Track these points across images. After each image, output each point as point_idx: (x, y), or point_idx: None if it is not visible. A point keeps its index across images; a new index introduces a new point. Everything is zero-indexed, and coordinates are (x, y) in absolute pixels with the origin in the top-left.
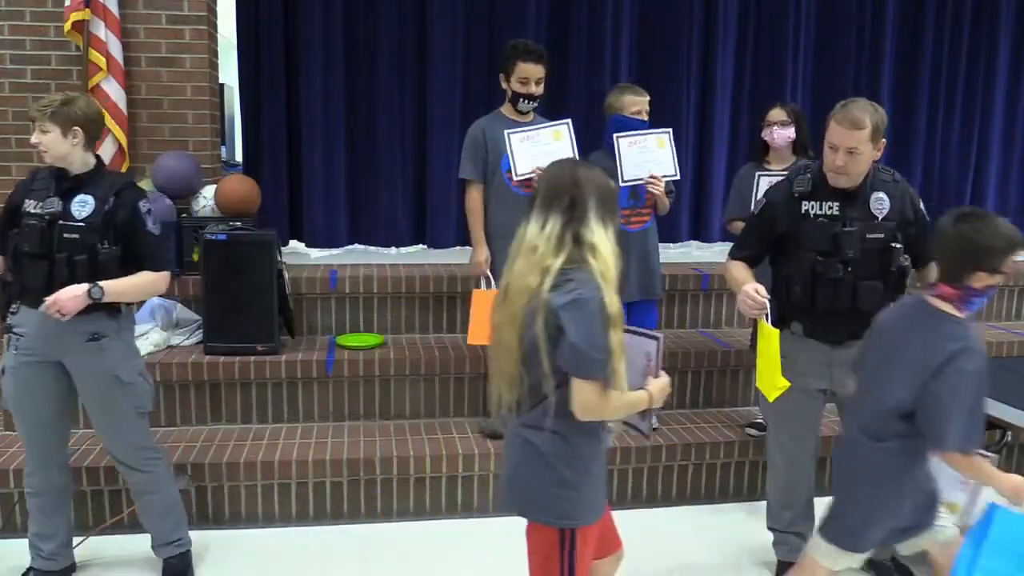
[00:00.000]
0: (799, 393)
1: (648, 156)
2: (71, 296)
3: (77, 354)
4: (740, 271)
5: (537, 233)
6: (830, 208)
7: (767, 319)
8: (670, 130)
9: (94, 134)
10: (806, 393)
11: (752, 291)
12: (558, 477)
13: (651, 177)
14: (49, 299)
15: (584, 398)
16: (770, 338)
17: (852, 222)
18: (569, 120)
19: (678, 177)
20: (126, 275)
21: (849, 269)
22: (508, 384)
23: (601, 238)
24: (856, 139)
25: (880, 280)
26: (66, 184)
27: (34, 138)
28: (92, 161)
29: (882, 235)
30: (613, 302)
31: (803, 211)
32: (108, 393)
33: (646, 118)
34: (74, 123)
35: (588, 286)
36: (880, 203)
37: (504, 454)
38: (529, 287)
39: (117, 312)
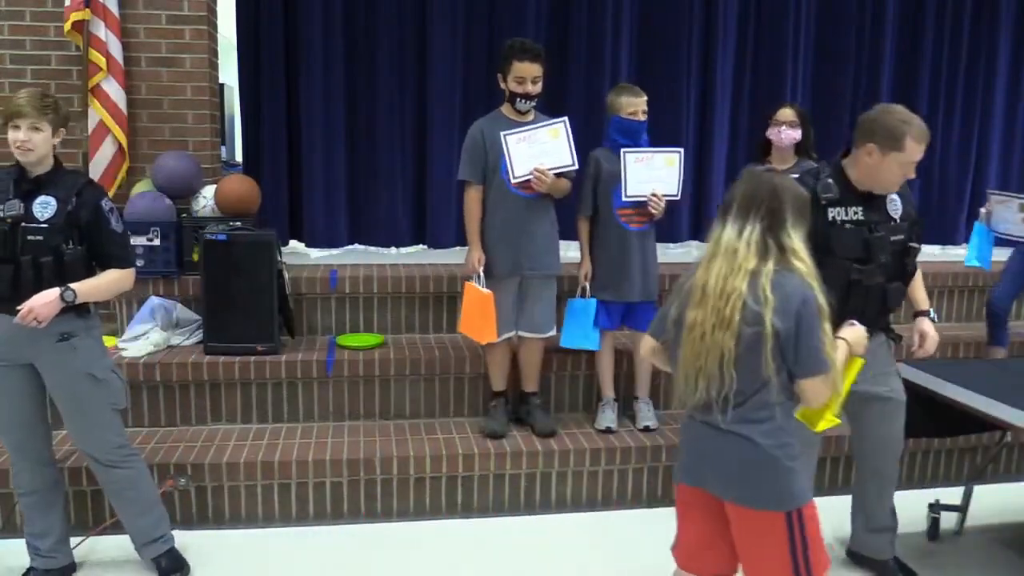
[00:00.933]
0: None
1: (653, 174)
2: (45, 302)
3: (49, 355)
4: None
5: (735, 237)
6: (855, 213)
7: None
8: (680, 151)
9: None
10: None
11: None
12: (779, 464)
13: (653, 195)
14: (24, 308)
15: (817, 391)
16: (854, 368)
17: (876, 226)
18: (565, 118)
19: (678, 198)
20: (90, 274)
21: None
22: (708, 381)
23: (799, 243)
24: None
25: (901, 280)
26: (26, 186)
27: (22, 135)
28: (52, 161)
29: (902, 236)
30: (822, 299)
31: (830, 218)
32: (82, 392)
33: (643, 118)
34: (61, 124)
35: (805, 287)
36: (894, 204)
37: (711, 450)
38: (736, 288)
39: (86, 312)
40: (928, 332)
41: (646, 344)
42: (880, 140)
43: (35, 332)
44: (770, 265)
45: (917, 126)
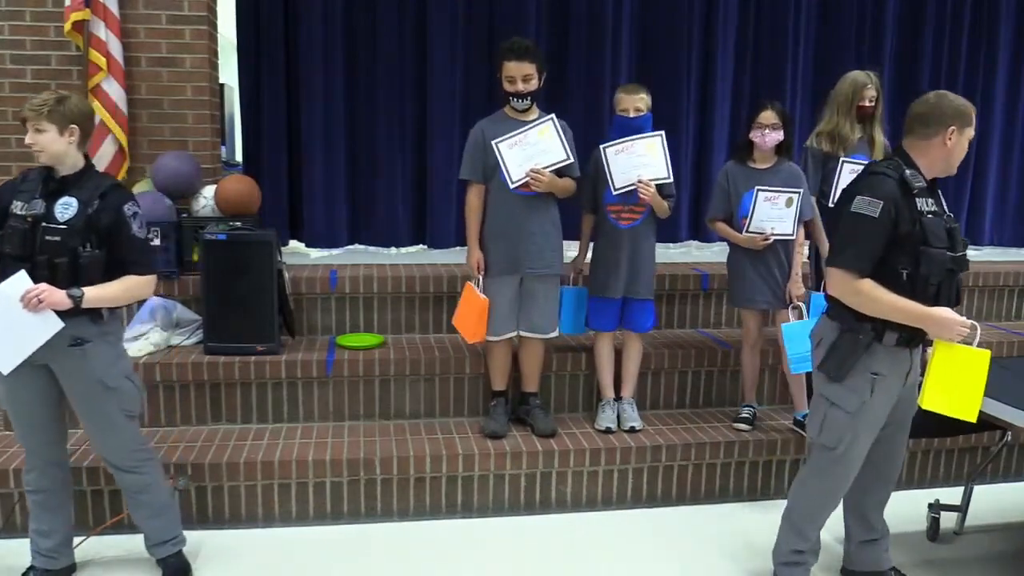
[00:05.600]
0: (889, 403)
1: (637, 161)
2: (54, 291)
3: (61, 359)
4: (892, 295)
5: None
6: (931, 204)
7: (974, 342)
8: (662, 133)
9: (88, 131)
10: (891, 403)
11: (959, 318)
12: None
13: (639, 182)
14: (32, 287)
15: None
16: (984, 361)
17: (944, 217)
18: (553, 115)
19: (670, 179)
20: (112, 279)
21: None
22: None
23: None
24: None
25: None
26: (52, 186)
27: (28, 138)
28: (82, 162)
29: (957, 226)
30: None
31: (919, 208)
32: (94, 397)
33: (633, 115)
34: (71, 121)
35: None
36: (942, 199)
37: None
38: None
39: (99, 317)
40: None
41: None
42: (958, 121)
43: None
44: None
45: (965, 101)
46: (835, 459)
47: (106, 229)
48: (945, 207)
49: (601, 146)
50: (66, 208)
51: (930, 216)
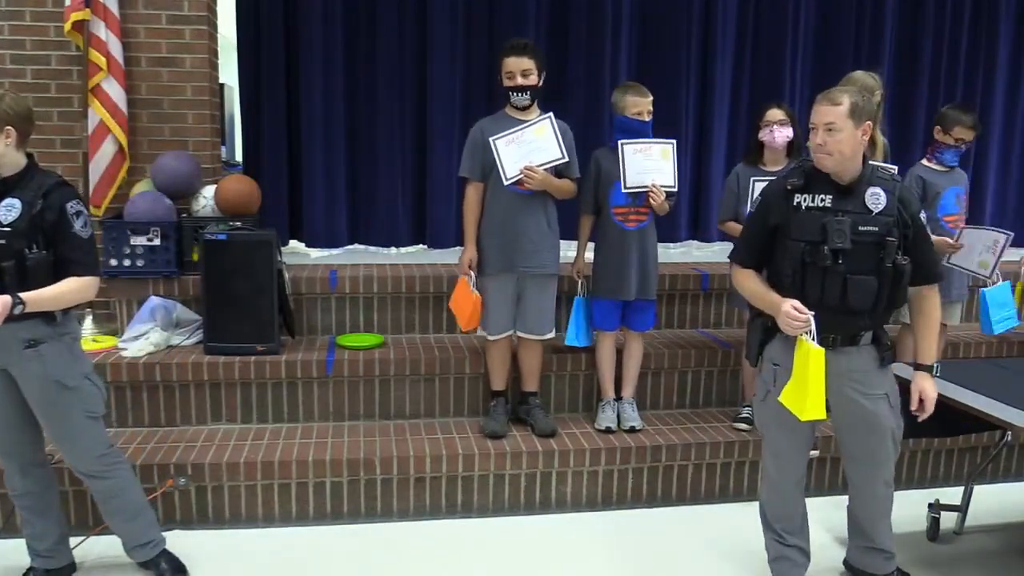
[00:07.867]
0: None
1: (651, 165)
2: (2, 298)
3: (18, 362)
4: (756, 283)
5: None
6: (823, 200)
7: (811, 337)
8: (674, 142)
9: (26, 131)
10: None
11: (793, 309)
12: None
13: (652, 185)
14: None
15: None
16: (816, 358)
17: (843, 214)
18: (551, 114)
19: (675, 190)
20: (58, 280)
21: (839, 261)
22: None
23: None
24: (833, 115)
25: (874, 276)
26: None
27: None
28: (23, 162)
29: (876, 228)
30: None
31: (795, 203)
32: (54, 400)
33: (647, 119)
34: (6, 122)
35: None
36: (876, 198)
37: None
38: None
39: (52, 319)
40: (927, 392)
41: None
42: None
43: (4, 339)
44: None
45: (826, 90)
46: (765, 447)
47: (50, 228)
48: (866, 206)
49: (620, 141)
50: (9, 210)
51: (806, 210)
